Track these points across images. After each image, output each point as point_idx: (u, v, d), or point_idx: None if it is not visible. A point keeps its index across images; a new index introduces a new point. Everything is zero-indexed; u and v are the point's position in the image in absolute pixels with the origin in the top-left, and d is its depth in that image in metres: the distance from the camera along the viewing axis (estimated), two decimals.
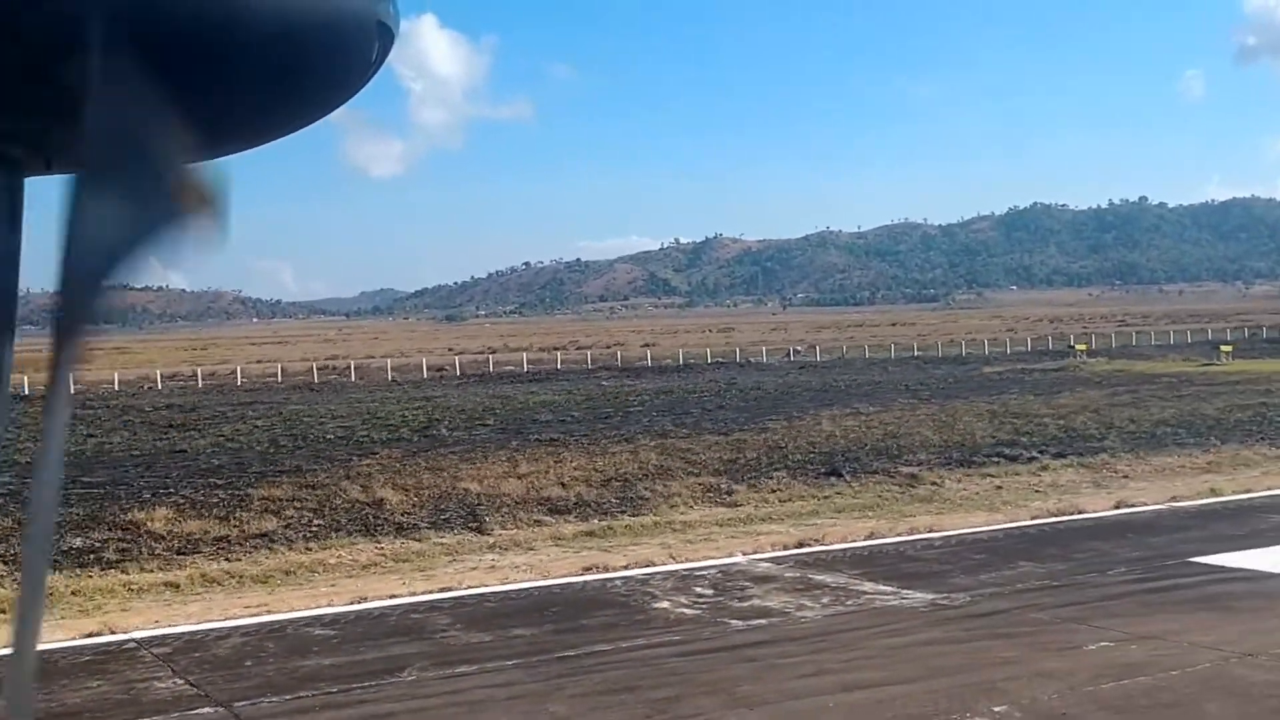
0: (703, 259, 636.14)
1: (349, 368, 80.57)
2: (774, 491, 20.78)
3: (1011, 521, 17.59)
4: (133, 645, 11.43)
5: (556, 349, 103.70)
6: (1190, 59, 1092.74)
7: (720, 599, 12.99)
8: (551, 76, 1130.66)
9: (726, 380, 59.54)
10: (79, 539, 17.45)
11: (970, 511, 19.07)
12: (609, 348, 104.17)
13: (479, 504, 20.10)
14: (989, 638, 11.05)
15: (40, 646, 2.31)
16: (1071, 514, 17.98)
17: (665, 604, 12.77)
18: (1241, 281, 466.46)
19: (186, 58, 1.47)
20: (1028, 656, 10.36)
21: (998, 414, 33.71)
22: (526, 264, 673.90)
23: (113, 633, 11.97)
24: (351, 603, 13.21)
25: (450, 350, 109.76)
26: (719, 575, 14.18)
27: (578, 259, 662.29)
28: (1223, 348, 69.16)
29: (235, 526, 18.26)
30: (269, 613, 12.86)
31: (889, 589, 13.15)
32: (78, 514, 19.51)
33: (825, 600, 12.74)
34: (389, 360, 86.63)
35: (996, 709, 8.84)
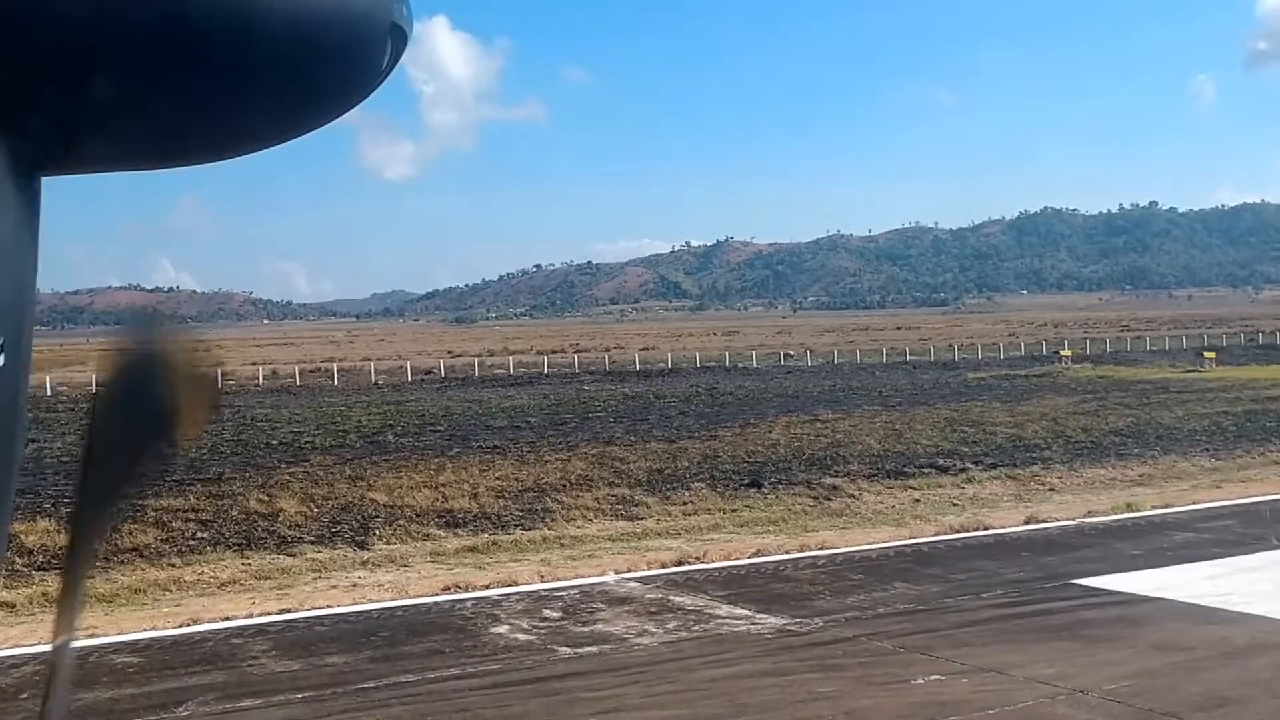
0: (714, 262, 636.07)
1: (335, 371, 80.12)
2: (683, 505, 20.10)
3: (913, 538, 16.90)
4: None
5: (554, 352, 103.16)
6: (1201, 64, 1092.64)
7: (564, 623, 12.37)
8: (563, 79, 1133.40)
9: (708, 385, 58.75)
10: None
11: (877, 527, 18.39)
12: (607, 351, 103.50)
13: (377, 516, 19.49)
14: (817, 670, 10.40)
15: None
16: (976, 530, 17.28)
17: (504, 629, 12.16)
18: (1251, 287, 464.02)
19: (200, 58, 1.50)
20: (847, 691, 9.73)
21: (954, 422, 32.89)
22: (538, 266, 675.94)
23: None
24: (181, 625, 12.64)
25: (449, 353, 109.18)
26: (577, 597, 13.55)
27: (589, 261, 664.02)
28: (1206, 354, 68.20)
29: (112, 540, 17.67)
30: (91, 637, 12.23)
31: (744, 613, 12.51)
32: None
33: (671, 625, 12.11)
34: (375, 364, 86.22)
35: None
